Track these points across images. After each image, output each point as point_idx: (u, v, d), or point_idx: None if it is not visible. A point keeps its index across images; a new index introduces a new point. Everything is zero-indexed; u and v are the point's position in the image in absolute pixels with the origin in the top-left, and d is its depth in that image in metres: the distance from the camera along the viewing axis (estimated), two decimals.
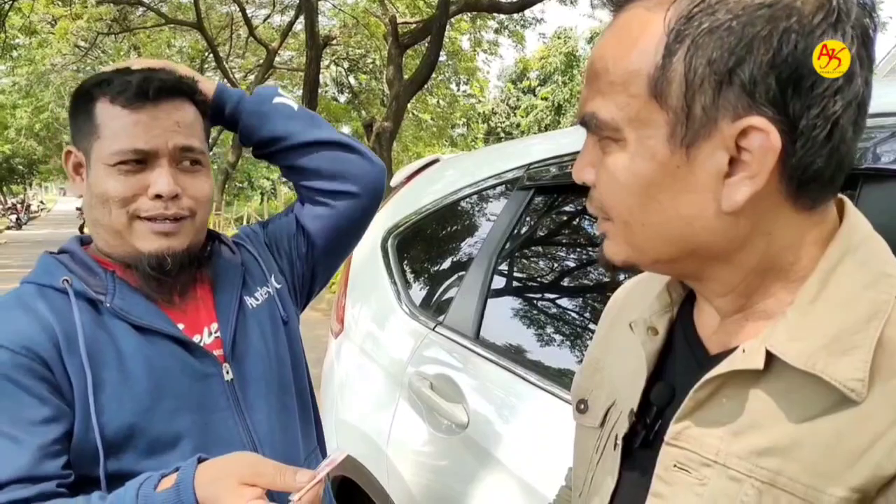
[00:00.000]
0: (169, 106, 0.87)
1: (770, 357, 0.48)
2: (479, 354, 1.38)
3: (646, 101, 0.46)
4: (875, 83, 0.49)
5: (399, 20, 11.22)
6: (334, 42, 15.55)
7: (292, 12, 13.99)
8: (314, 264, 1.08)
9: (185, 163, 0.89)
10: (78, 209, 7.68)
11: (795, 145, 0.44)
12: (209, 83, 1.01)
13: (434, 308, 1.66)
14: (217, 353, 0.92)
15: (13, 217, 25.38)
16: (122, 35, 15.80)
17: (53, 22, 14.78)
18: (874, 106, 0.83)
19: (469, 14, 12.75)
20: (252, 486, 0.69)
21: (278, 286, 1.04)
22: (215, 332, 0.94)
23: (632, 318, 0.61)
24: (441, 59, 12.15)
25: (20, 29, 14.14)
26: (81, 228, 0.97)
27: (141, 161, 0.85)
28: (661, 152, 0.47)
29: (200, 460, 0.74)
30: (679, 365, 0.58)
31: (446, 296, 1.64)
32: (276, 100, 1.04)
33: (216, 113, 1.02)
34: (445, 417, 1.36)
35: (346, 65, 18.04)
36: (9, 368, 0.79)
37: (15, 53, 16.56)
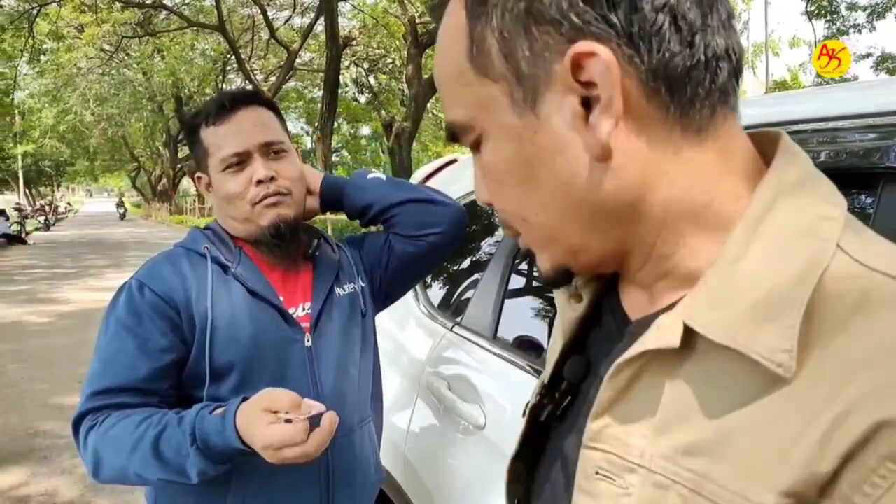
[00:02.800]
0: (245, 111, 1.11)
1: (691, 332, 0.40)
2: (496, 355, 1.39)
3: (479, 84, 0.43)
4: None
5: (418, 20, 11.26)
6: (354, 43, 15.63)
7: (312, 14, 14.09)
8: (391, 277, 1.30)
9: (272, 154, 1.12)
10: None
11: (641, 51, 0.39)
12: (317, 179, 1.25)
13: (452, 308, 1.66)
14: (304, 325, 1.15)
15: (41, 218, 25.87)
16: (146, 38, 16.04)
17: (81, 28, 15.05)
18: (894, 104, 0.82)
19: None
20: (273, 412, 0.90)
21: (363, 285, 1.27)
22: (307, 309, 1.17)
23: None
24: None
25: (47, 34, 14.43)
26: None
27: (240, 162, 1.10)
28: (513, 123, 0.43)
29: (244, 399, 0.95)
30: (600, 339, 0.52)
31: (464, 296, 1.64)
32: (370, 176, 1.30)
33: (325, 199, 1.26)
34: (463, 418, 1.37)
35: (365, 65, 18.11)
36: (149, 306, 1.06)
37: (43, 58, 16.90)
